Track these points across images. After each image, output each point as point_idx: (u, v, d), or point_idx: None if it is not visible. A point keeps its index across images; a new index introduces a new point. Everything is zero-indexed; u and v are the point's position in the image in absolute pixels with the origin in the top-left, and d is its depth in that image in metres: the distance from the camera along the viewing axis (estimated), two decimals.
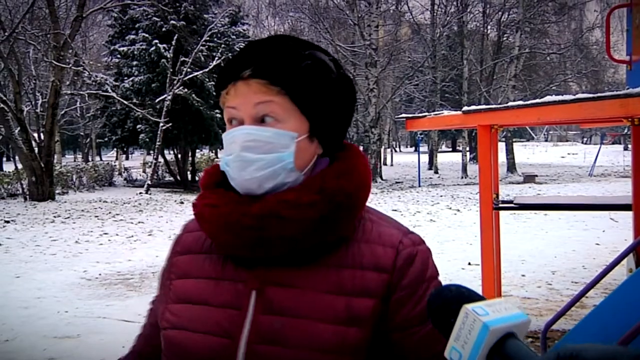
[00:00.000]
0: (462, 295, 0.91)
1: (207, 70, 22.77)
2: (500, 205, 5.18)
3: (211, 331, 1.07)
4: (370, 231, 1.11)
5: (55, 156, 23.02)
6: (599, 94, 3.79)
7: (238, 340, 1.05)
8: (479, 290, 5.18)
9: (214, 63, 22.70)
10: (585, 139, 73.97)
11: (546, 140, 74.68)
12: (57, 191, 20.25)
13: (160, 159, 25.86)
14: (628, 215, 5.03)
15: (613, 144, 58.68)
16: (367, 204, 1.14)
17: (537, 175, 28.21)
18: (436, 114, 5.36)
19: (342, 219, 1.07)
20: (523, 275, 8.04)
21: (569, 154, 52.07)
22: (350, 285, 1.05)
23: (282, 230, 1.03)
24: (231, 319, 1.06)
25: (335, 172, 1.08)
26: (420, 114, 5.55)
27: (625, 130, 40.22)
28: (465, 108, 4.78)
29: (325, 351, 1.02)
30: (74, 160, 47.12)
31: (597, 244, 10.23)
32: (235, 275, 1.09)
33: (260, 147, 1.04)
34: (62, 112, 27.29)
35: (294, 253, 1.06)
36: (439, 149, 41.99)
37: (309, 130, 1.08)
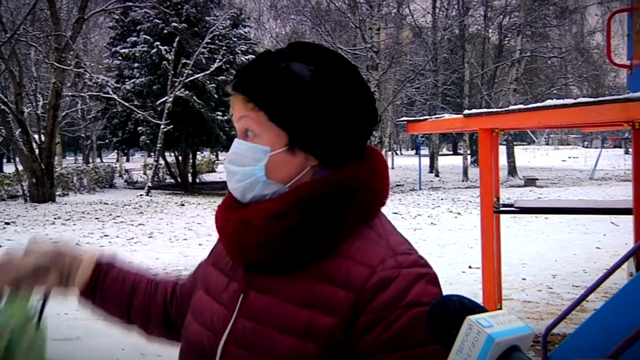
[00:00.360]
0: (464, 306, 0.90)
1: (208, 72, 22.78)
2: (501, 208, 5.18)
3: (206, 325, 1.13)
4: (357, 248, 1.05)
5: (56, 158, 23.05)
6: (599, 98, 3.79)
7: (219, 339, 1.09)
8: (480, 294, 5.18)
9: (215, 65, 22.72)
10: (586, 143, 73.94)
11: (547, 144, 74.70)
12: (57, 193, 20.24)
13: (161, 161, 25.87)
14: (629, 219, 5.03)
15: (614, 147, 58.70)
16: None
17: (538, 179, 28.22)
18: (437, 117, 5.36)
19: (317, 232, 1.04)
20: (524, 279, 8.03)
21: (569, 157, 52.08)
22: (318, 300, 1.02)
23: (253, 239, 1.05)
24: (221, 317, 1.11)
25: (317, 184, 1.07)
26: (422, 117, 5.55)
27: (626, 134, 40.18)
28: (466, 112, 4.79)
29: None
30: (75, 162, 47.14)
31: (598, 248, 10.23)
32: (238, 277, 1.14)
33: (238, 160, 1.10)
34: (63, 113, 27.29)
35: (275, 261, 1.06)
36: (440, 152, 42.00)
37: (288, 142, 1.07)
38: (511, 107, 4.70)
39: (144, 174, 31.23)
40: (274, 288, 1.07)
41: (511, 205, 5.41)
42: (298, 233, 1.04)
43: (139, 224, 14.26)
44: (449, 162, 43.92)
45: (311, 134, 1.07)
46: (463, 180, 30.18)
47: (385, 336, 0.99)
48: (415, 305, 1.00)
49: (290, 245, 1.04)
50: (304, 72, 1.06)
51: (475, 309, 0.90)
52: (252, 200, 1.10)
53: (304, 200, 1.04)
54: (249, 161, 1.09)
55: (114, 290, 1.29)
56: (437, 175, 34.03)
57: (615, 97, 3.60)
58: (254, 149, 1.08)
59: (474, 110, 4.82)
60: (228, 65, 24.35)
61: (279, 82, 1.06)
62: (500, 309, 5.44)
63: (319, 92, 1.06)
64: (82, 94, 24.67)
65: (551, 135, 76.51)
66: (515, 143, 36.56)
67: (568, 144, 75.04)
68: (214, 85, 23.59)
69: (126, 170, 29.94)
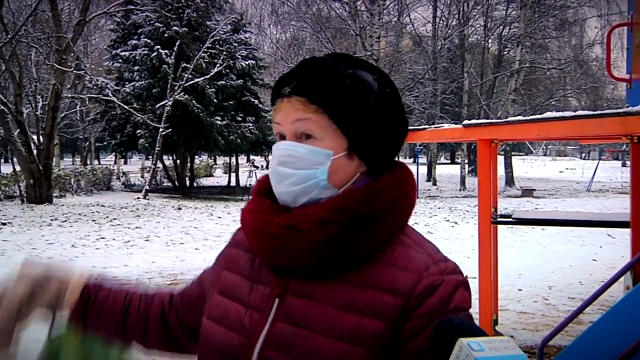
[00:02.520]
0: (462, 329, 0.92)
1: (208, 77, 22.80)
2: (499, 219, 5.18)
3: (235, 329, 1.12)
4: (398, 255, 1.08)
5: (54, 159, 23.02)
6: (599, 112, 3.80)
7: (255, 342, 1.08)
8: (476, 304, 5.18)
9: (215, 70, 22.74)
10: (583, 154, 74.11)
11: (545, 155, 74.85)
12: (54, 194, 20.20)
13: (159, 165, 25.85)
14: (625, 232, 5.04)
15: (612, 159, 58.82)
16: None
17: (535, 190, 28.24)
18: (436, 127, 5.38)
19: (361, 239, 1.06)
20: (520, 290, 8.03)
21: (567, 168, 52.13)
22: (363, 305, 1.04)
23: (298, 244, 1.05)
24: (254, 321, 1.10)
25: (363, 192, 1.09)
26: (421, 127, 5.56)
27: (624, 147, 40.30)
28: (465, 122, 4.80)
29: None
30: (73, 164, 47.10)
31: (594, 260, 10.23)
32: (267, 280, 1.13)
33: (295, 162, 1.08)
34: (62, 115, 27.22)
35: (316, 266, 1.07)
36: (438, 161, 42.02)
37: (348, 148, 1.10)
38: (510, 119, 4.71)
39: (142, 177, 31.26)
40: (313, 292, 1.08)
41: (509, 216, 5.41)
42: (343, 240, 1.05)
43: (136, 227, 14.24)
44: (447, 171, 43.97)
45: (371, 141, 1.11)
46: (460, 190, 30.20)
47: (417, 335, 1.03)
48: (459, 310, 1.04)
49: (335, 252, 1.06)
50: (371, 80, 1.11)
51: (475, 332, 0.91)
52: (304, 204, 1.09)
53: (351, 208, 1.06)
54: (309, 164, 1.08)
55: (106, 310, 1.28)
56: (434, 184, 34.05)
57: (615, 111, 3.61)
58: (316, 152, 1.08)
59: (473, 121, 4.83)
60: (228, 70, 24.37)
61: (349, 88, 1.08)
62: (497, 319, 5.45)
63: (385, 100, 1.11)
64: (82, 96, 24.62)
65: (549, 146, 76.67)
66: (513, 153, 36.61)
67: (566, 155, 75.18)
68: (213, 89, 23.59)
69: (124, 173, 29.88)
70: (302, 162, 1.08)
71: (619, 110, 3.53)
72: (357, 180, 1.12)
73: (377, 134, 1.10)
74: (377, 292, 1.05)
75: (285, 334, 1.06)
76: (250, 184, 22.52)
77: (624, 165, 46.25)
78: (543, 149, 76.03)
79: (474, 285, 7.18)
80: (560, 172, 49.16)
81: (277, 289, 1.11)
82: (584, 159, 69.69)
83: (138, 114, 21.86)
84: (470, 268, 8.50)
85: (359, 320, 1.03)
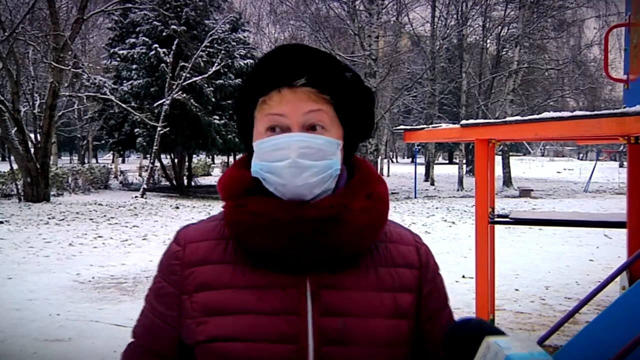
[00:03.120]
0: (483, 328, 0.92)
1: (206, 76, 22.77)
2: (496, 219, 5.19)
3: (273, 339, 1.07)
4: (391, 233, 1.20)
5: (51, 157, 22.98)
6: (596, 112, 3.81)
7: (305, 345, 1.07)
8: (473, 304, 5.19)
9: (214, 69, 22.71)
10: (581, 155, 74.19)
11: (542, 155, 74.91)
12: (52, 193, 20.19)
13: (157, 163, 25.83)
14: (622, 232, 5.05)
15: (609, 160, 58.91)
16: None
17: (532, 190, 28.27)
18: (434, 127, 5.38)
19: (383, 222, 1.16)
20: (516, 290, 8.05)
21: (565, 169, 52.20)
22: (390, 283, 1.14)
23: (340, 235, 1.07)
24: (293, 324, 1.07)
25: (370, 178, 1.16)
26: (419, 126, 5.57)
27: (621, 148, 40.33)
28: (463, 122, 4.80)
29: (384, 345, 1.10)
30: (70, 162, 47.04)
31: (591, 260, 10.25)
32: (279, 282, 1.10)
33: (313, 154, 1.07)
34: (60, 113, 27.20)
35: (346, 256, 1.11)
36: (436, 161, 42.06)
37: (344, 138, 1.15)
38: (508, 119, 4.72)
39: (140, 175, 31.23)
40: (339, 282, 1.11)
41: (506, 216, 5.42)
42: (375, 225, 1.13)
43: (133, 226, 14.23)
44: (445, 171, 44.01)
45: (357, 132, 1.17)
46: (458, 190, 30.22)
47: (439, 300, 1.21)
48: (439, 268, 1.24)
49: (370, 236, 1.13)
50: (359, 75, 1.16)
51: (495, 331, 0.92)
52: (317, 196, 1.09)
53: (379, 195, 1.14)
54: (325, 155, 1.09)
55: None
56: (432, 184, 34.09)
57: (612, 111, 3.62)
58: (330, 142, 1.10)
59: (471, 121, 4.83)
60: (226, 69, 24.35)
61: (355, 80, 1.14)
62: (494, 319, 5.46)
63: (371, 96, 1.19)
64: (80, 95, 24.61)
65: (547, 147, 76.75)
66: (510, 154, 36.64)
67: (563, 156, 75.28)
68: (211, 89, 23.57)
69: (121, 172, 29.87)
70: (320, 152, 1.08)
71: (616, 111, 3.54)
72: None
73: (364, 126, 1.18)
74: (395, 269, 1.15)
75: (337, 327, 1.07)
76: None
77: (621, 166, 46.29)
78: (541, 149, 76.11)
79: (471, 285, 7.19)
80: (558, 172, 49.24)
81: (305, 286, 1.09)
82: (581, 159, 69.78)
83: (136, 113, 21.84)
84: (467, 268, 8.56)
85: (394, 297, 1.13)
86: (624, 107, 3.95)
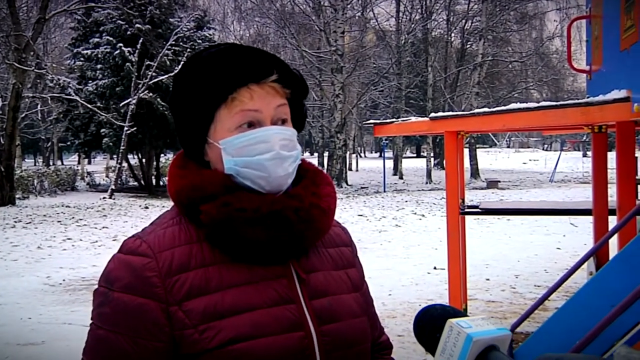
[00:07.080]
0: (447, 313, 0.98)
1: (172, 74, 22.53)
2: (467, 210, 5.27)
3: (284, 329, 1.08)
4: None
5: (16, 160, 22.56)
6: (562, 102, 3.90)
7: (308, 328, 1.12)
8: (446, 294, 5.27)
9: (179, 67, 22.48)
10: (546, 146, 75.36)
11: (508, 147, 75.83)
12: (17, 196, 19.86)
13: (124, 164, 25.53)
14: (587, 220, 5.18)
15: (573, 150, 59.99)
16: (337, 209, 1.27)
17: (500, 181, 28.68)
18: (404, 120, 5.44)
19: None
20: (487, 279, 8.18)
21: (530, 160, 53.01)
22: (340, 261, 1.25)
23: (322, 220, 1.17)
24: (294, 312, 1.11)
25: (314, 167, 1.25)
26: (389, 120, 5.62)
27: (585, 138, 41.14)
28: (432, 115, 4.87)
29: (357, 316, 1.20)
30: (35, 165, 46.21)
31: (558, 249, 10.46)
32: (269, 274, 1.12)
33: (288, 145, 1.15)
34: (23, 115, 26.68)
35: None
36: (404, 155, 42.34)
37: None
38: (477, 111, 4.80)
39: (107, 176, 30.79)
40: (311, 265, 1.18)
41: (476, 207, 5.52)
42: (335, 208, 1.23)
43: (103, 227, 14.08)
44: (413, 165, 44.33)
45: (298, 125, 1.24)
46: (427, 183, 30.48)
47: (362, 271, 1.32)
48: None
49: (333, 219, 1.24)
50: None
51: (458, 314, 0.97)
52: (289, 184, 1.16)
53: (328, 180, 1.25)
54: (295, 145, 1.17)
55: None
56: (401, 178, 34.33)
57: (577, 101, 3.71)
58: (295, 134, 1.19)
59: (441, 114, 4.91)
60: None
61: (302, 77, 1.21)
62: (466, 309, 5.55)
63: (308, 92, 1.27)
64: (43, 95, 24.20)
65: (512, 138, 77.74)
66: (477, 146, 37.07)
67: (529, 147, 76.34)
68: None
69: (88, 173, 29.42)
70: (292, 143, 1.16)
71: (580, 101, 3.63)
72: None
73: (303, 118, 1.26)
74: (339, 249, 1.27)
75: (325, 307, 1.15)
76: None
77: (584, 155, 47.24)
78: (506, 141, 77.06)
79: (442, 276, 7.30)
80: (524, 163, 49.97)
81: (290, 274, 1.14)
82: (546, 150, 70.84)
83: (102, 113, 21.57)
84: (438, 259, 8.69)
85: (347, 273, 1.24)
86: (588, 97, 4.06)
